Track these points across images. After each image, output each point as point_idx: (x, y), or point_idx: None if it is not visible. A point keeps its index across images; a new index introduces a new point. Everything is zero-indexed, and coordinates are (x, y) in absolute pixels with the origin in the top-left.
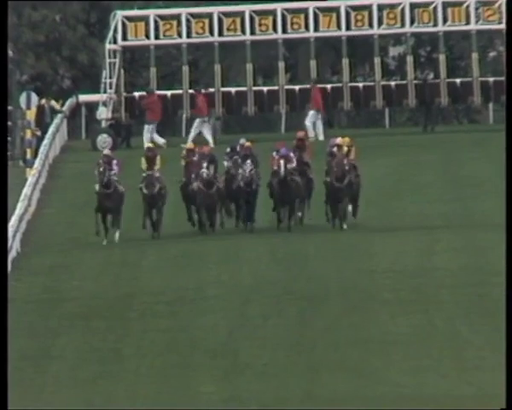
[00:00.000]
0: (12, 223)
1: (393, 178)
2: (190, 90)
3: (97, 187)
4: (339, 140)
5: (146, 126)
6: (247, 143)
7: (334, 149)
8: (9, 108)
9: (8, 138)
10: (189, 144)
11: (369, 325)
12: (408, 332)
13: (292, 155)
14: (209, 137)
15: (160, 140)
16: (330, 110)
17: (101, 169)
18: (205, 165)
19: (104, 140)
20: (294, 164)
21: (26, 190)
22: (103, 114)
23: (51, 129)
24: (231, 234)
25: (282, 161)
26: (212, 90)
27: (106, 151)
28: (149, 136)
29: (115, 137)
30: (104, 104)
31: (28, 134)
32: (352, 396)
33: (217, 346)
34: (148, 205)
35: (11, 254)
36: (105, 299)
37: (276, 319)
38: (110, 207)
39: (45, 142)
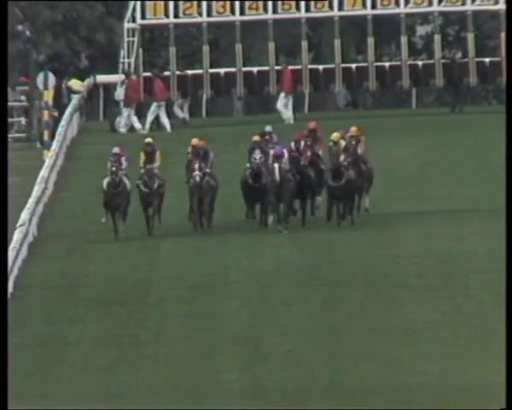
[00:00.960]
0: (29, 206)
1: (420, 159)
2: (211, 70)
3: (105, 185)
4: (334, 136)
5: (125, 110)
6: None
7: (330, 144)
8: (26, 88)
9: (25, 120)
10: (194, 140)
11: (394, 312)
12: (435, 319)
13: (285, 151)
14: (166, 122)
15: (138, 125)
16: (355, 90)
17: (114, 169)
18: (196, 166)
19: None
20: (286, 156)
21: (44, 173)
22: (121, 94)
23: (69, 110)
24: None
25: (276, 166)
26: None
27: (115, 149)
28: (124, 122)
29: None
30: (122, 85)
31: (45, 115)
32: (378, 385)
33: (238, 333)
34: (144, 203)
35: (28, 239)
36: (123, 284)
37: (299, 305)
38: (118, 204)
39: (63, 123)
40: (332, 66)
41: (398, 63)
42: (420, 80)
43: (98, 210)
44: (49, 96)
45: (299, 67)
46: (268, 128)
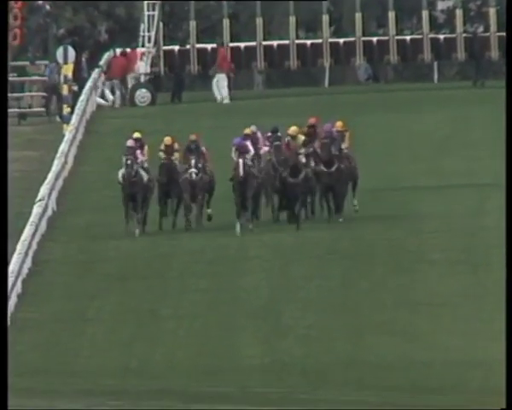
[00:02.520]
0: (48, 180)
1: (442, 133)
2: (231, 44)
3: (120, 178)
4: (292, 130)
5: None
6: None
7: (288, 138)
8: (45, 62)
9: (45, 94)
10: (167, 139)
11: (416, 287)
12: (457, 294)
13: (248, 143)
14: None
15: (109, 98)
16: (376, 64)
17: (129, 162)
18: (193, 162)
19: (143, 95)
20: (252, 153)
21: (63, 147)
22: (142, 68)
23: (88, 84)
24: None
25: (240, 161)
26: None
27: (129, 142)
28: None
29: (154, 92)
30: (142, 58)
31: (65, 90)
32: (399, 361)
33: (258, 308)
34: (126, 198)
35: (47, 214)
36: (143, 259)
37: (319, 280)
38: (136, 197)
39: (82, 97)
40: (353, 39)
41: (420, 37)
42: (441, 54)
43: (118, 184)
44: (68, 71)
45: (319, 40)
46: (252, 128)
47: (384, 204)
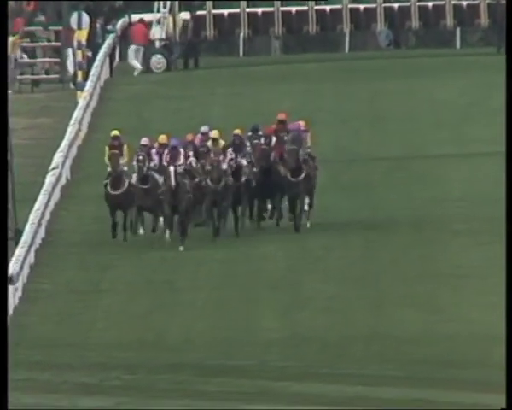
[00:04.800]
0: (62, 148)
1: (465, 100)
2: (248, 9)
3: (134, 179)
4: (214, 133)
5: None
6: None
7: (209, 143)
8: (59, 28)
9: (58, 60)
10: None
11: (439, 258)
12: (481, 265)
13: (181, 150)
14: None
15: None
16: (397, 30)
17: (141, 158)
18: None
19: (158, 61)
20: (181, 161)
21: (77, 114)
22: (157, 34)
23: (103, 50)
24: None
25: (171, 169)
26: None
27: (143, 140)
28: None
29: (169, 58)
30: (158, 24)
31: (79, 56)
32: (421, 334)
33: (277, 279)
34: (112, 206)
35: (60, 182)
36: (158, 228)
37: (340, 250)
38: (146, 204)
39: (96, 63)
40: (373, 5)
41: (442, 2)
42: (464, 20)
43: (132, 151)
44: (82, 37)
45: (338, 6)
46: (204, 128)
47: (406, 172)
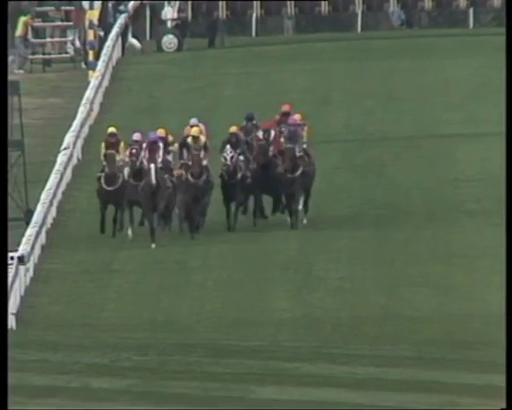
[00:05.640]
0: (73, 128)
1: (477, 80)
2: None
3: (126, 174)
4: (194, 130)
5: None
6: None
7: (189, 140)
8: (71, 8)
9: (70, 39)
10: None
11: (452, 238)
12: (494, 245)
13: (160, 144)
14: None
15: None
16: (410, 9)
17: (134, 152)
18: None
19: (170, 41)
20: (161, 157)
21: (89, 94)
22: (169, 13)
23: (115, 30)
24: None
25: (152, 167)
26: None
27: (136, 136)
28: None
29: (181, 38)
30: (169, 4)
31: (90, 35)
32: (435, 314)
33: (288, 259)
34: (103, 201)
35: (72, 162)
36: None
37: (352, 230)
38: (137, 199)
39: (108, 43)
40: None
41: None
42: (477, 0)
43: (145, 132)
44: (94, 16)
45: None
46: (193, 120)
47: (418, 152)
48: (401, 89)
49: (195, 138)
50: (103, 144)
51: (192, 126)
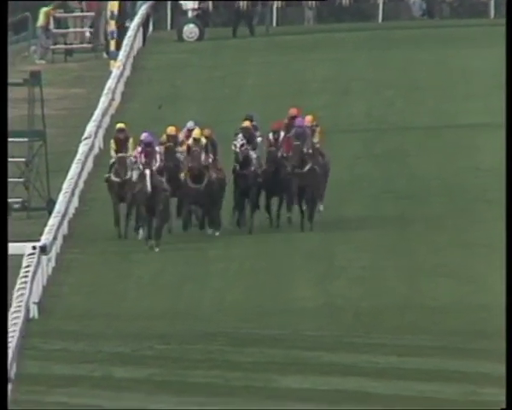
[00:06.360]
0: (95, 118)
1: (498, 70)
2: None
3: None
4: (196, 133)
5: None
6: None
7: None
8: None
9: (91, 29)
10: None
11: (473, 227)
12: None
13: (157, 148)
14: None
15: None
16: (431, 0)
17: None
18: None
19: (191, 30)
20: (158, 162)
21: (110, 83)
22: (189, 4)
23: (136, 19)
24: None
25: (147, 173)
26: None
27: (144, 136)
28: None
29: (202, 28)
30: None
31: (112, 25)
32: (455, 304)
33: (311, 248)
34: (116, 196)
35: (93, 152)
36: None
37: (374, 220)
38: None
39: (130, 33)
40: None
41: None
42: None
43: (166, 121)
44: (114, 7)
45: None
46: (190, 124)
47: (439, 142)
48: (422, 79)
49: (196, 140)
50: (112, 141)
51: (189, 130)
